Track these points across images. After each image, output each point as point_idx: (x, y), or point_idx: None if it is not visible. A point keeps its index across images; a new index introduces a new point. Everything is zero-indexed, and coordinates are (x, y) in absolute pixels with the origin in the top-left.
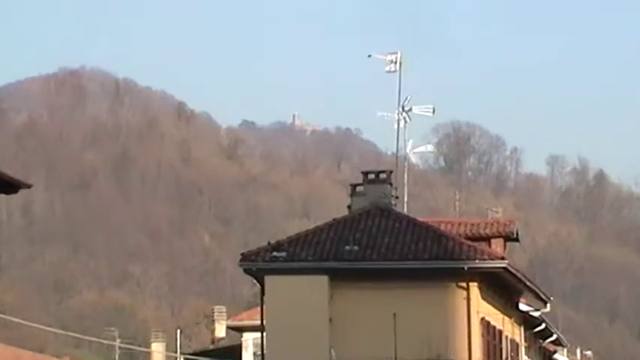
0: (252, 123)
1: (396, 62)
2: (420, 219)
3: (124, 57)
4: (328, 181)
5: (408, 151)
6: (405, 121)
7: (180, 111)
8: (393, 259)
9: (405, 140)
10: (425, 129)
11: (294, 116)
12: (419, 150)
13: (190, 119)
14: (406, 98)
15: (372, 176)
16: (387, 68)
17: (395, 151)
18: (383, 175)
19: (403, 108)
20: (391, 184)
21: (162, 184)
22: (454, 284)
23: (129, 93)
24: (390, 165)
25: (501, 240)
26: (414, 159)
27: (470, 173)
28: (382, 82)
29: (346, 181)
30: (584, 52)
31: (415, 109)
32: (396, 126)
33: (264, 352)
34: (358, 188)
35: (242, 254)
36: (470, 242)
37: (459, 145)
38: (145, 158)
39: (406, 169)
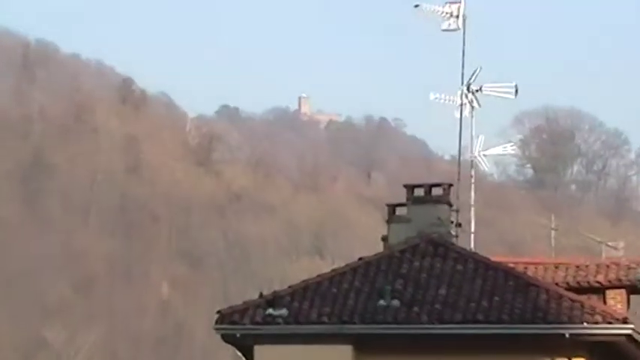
0: (236, 110)
1: (457, 15)
2: (494, 259)
3: (41, 13)
4: (352, 199)
5: (476, 153)
6: (472, 107)
7: (125, 92)
8: (452, 321)
9: (471, 137)
10: (503, 120)
11: (299, 100)
12: (493, 152)
13: (140, 105)
14: (473, 73)
15: (419, 192)
16: (444, 25)
17: (455, 153)
18: (437, 191)
19: (469, 87)
20: (450, 205)
21: (97, 206)
22: None
23: (45, 64)
24: (448, 175)
25: (622, 292)
26: (485, 165)
27: (573, 188)
28: (435, 47)
29: (380, 200)
30: None
31: (487, 89)
32: (457, 114)
33: None
34: (399, 210)
35: (219, 312)
36: (574, 295)
37: (555, 145)
38: (69, 166)
39: (473, 180)
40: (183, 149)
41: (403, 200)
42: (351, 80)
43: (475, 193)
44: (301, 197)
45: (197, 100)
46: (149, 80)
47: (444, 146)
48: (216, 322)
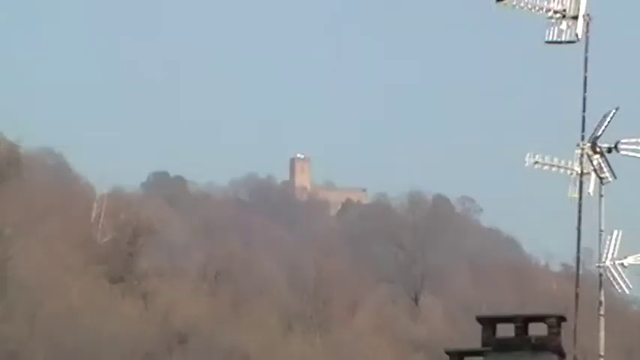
0: (179, 182)
1: (575, 16)
2: None
3: None
4: (383, 341)
5: (607, 261)
6: (601, 179)
7: None
8: None
9: (599, 233)
10: None
11: (292, 165)
12: (638, 260)
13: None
14: (603, 119)
15: (507, 330)
16: (551, 34)
17: (569, 261)
18: (538, 329)
19: (595, 144)
20: (562, 355)
21: None
22: None
23: None
24: (556, 298)
25: None
26: (624, 283)
27: None
28: (531, 70)
29: (433, 343)
30: None
31: (628, 147)
32: (573, 192)
33: None
34: None
35: None
36: None
37: None
38: None
39: (602, 311)
40: (84, 252)
41: (476, 344)
42: (382, 135)
43: (607, 330)
44: (293, 341)
45: (110, 165)
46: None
47: (545, 247)
48: None
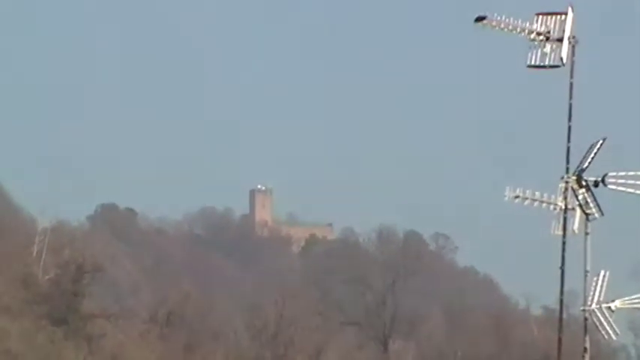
0: (129, 215)
1: (560, 38)
2: None
3: None
4: None
5: (593, 305)
6: (587, 215)
7: None
8: None
9: (584, 274)
10: None
11: (252, 198)
12: (625, 304)
13: None
14: (589, 151)
15: None
16: (534, 57)
17: (551, 304)
18: None
19: (580, 177)
20: None
21: None
22: None
23: None
24: (539, 345)
25: None
26: (611, 329)
27: None
28: (511, 95)
29: None
30: None
31: (615, 180)
32: (557, 229)
33: None
34: None
35: None
36: None
37: None
38: None
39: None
40: (24, 290)
41: None
42: (349, 166)
43: None
44: None
45: (54, 196)
46: None
47: (526, 289)
48: None
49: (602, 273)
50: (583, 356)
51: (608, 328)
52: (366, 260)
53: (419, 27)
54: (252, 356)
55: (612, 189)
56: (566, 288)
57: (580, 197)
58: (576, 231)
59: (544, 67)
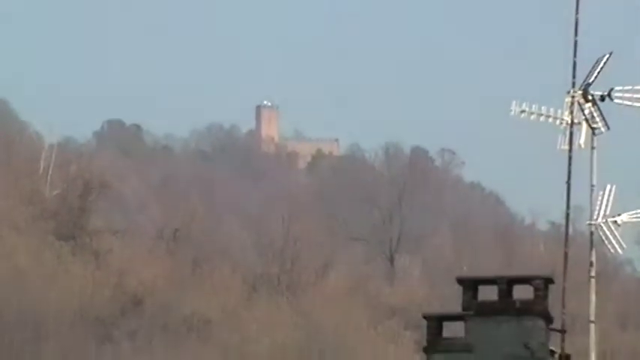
0: (135, 130)
1: None
2: None
3: None
4: (357, 305)
5: (599, 219)
6: (593, 129)
7: None
8: None
9: (590, 189)
10: None
11: (258, 114)
12: (632, 218)
13: None
14: (596, 65)
15: (489, 293)
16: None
17: (557, 218)
18: (523, 291)
19: (586, 91)
20: (549, 319)
21: None
22: None
23: None
24: (543, 259)
25: None
26: (617, 243)
27: None
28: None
29: (410, 307)
30: None
31: (622, 95)
32: (563, 144)
33: None
34: (448, 328)
35: None
36: None
37: None
38: None
39: (593, 272)
40: (31, 207)
41: (456, 307)
42: (356, 81)
43: (598, 293)
44: (258, 305)
45: (60, 113)
46: None
47: (532, 204)
48: None
49: (609, 187)
50: (589, 270)
51: (614, 242)
52: (373, 176)
53: None
54: (259, 273)
55: (618, 103)
56: (572, 203)
57: (586, 112)
58: (582, 145)
59: None
